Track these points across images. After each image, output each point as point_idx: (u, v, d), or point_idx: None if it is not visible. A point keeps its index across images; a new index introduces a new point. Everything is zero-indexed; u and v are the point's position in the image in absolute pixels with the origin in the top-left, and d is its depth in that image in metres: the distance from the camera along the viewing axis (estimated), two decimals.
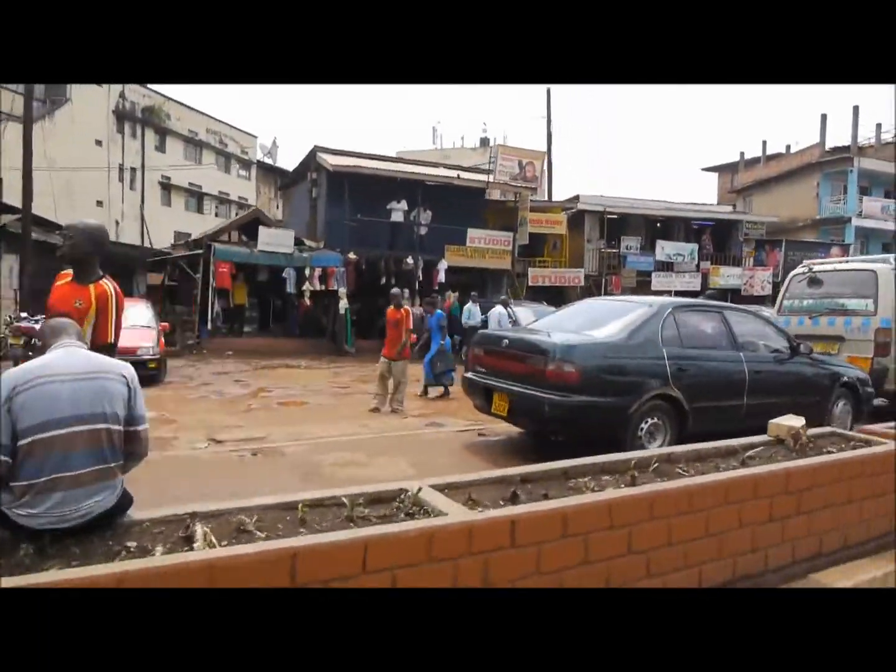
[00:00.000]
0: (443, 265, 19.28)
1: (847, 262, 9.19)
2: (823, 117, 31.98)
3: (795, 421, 4.51)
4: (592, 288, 22.73)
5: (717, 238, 24.69)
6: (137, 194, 34.65)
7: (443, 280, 19.16)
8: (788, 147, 37.44)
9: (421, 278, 19.08)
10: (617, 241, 23.36)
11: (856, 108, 30.60)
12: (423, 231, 19.37)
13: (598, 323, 5.94)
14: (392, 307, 8.34)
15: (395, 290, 8.79)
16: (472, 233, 19.66)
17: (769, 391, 6.27)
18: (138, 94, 34.82)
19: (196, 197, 39.05)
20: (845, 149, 33.38)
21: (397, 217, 19.11)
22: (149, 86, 36.43)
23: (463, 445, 6.35)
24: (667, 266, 23.27)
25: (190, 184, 38.23)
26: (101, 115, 32.02)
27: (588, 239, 24.04)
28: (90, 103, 30.43)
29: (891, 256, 8.45)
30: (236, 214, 40.21)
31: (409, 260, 18.88)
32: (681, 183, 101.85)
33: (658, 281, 22.70)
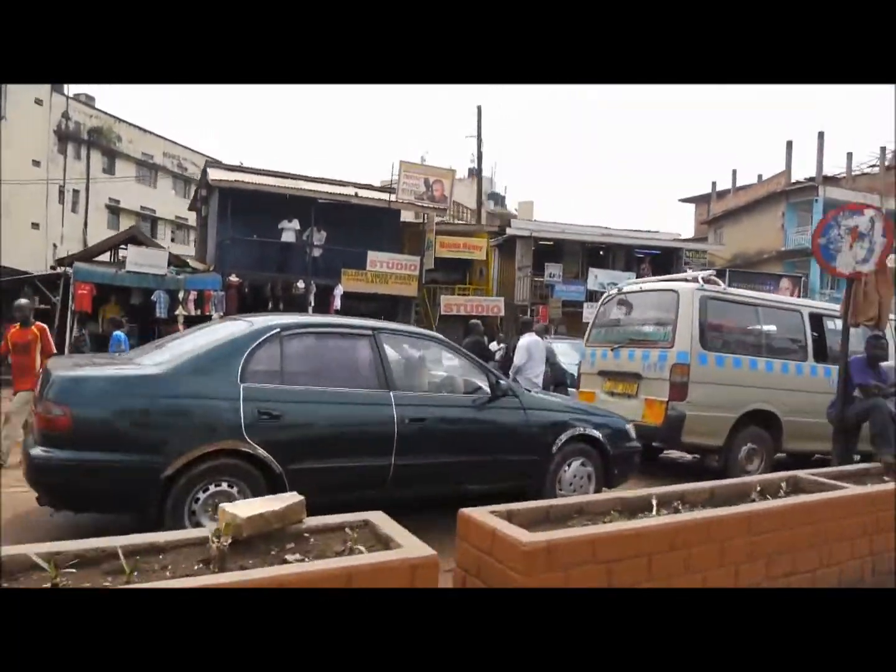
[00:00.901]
0: (339, 290, 17.71)
1: (657, 280, 7.51)
2: (789, 144, 30.46)
3: (257, 506, 2.83)
4: (519, 318, 21.12)
5: (659, 267, 22.98)
6: (80, 217, 33.56)
7: (338, 307, 17.58)
8: (760, 176, 35.94)
9: (313, 304, 17.49)
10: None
11: (821, 134, 29.04)
12: (316, 253, 17.84)
13: (181, 350, 4.27)
14: (17, 326, 6.52)
15: (20, 302, 6.82)
16: (373, 256, 18.13)
17: (441, 447, 4.58)
18: (84, 115, 33.95)
19: (149, 221, 37.93)
20: (826, 179, 31.80)
21: (288, 237, 17.65)
22: (97, 106, 35.71)
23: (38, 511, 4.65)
24: (601, 296, 21.57)
25: (142, 207, 37.20)
26: (41, 135, 31.09)
27: (519, 266, 22.49)
28: (27, 122, 29.50)
29: (700, 273, 6.74)
30: (194, 240, 39.15)
31: (300, 284, 17.35)
32: (662, 214, 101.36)
33: (589, 311, 20.98)
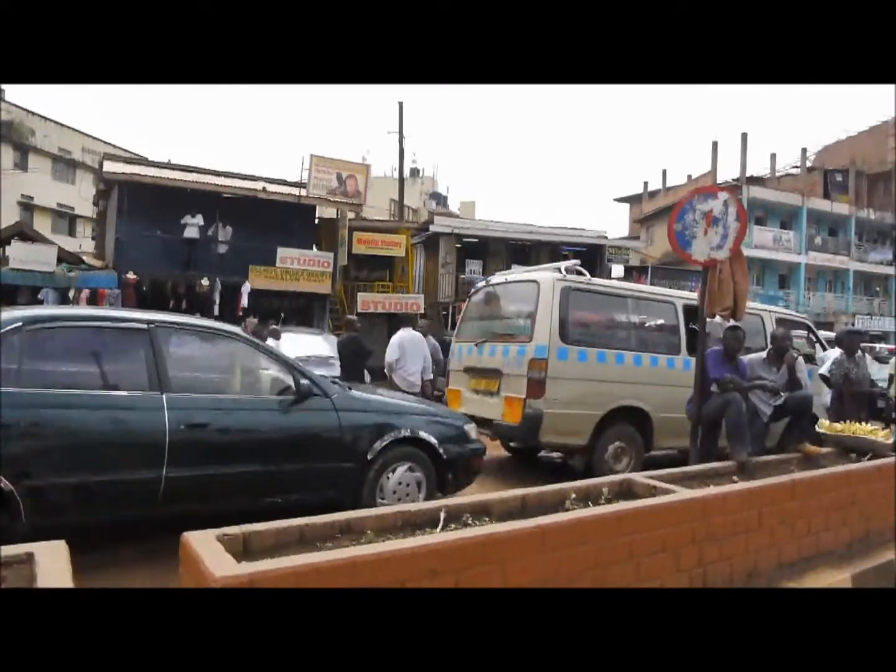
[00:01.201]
0: (246, 288, 16.92)
1: (524, 272, 7.07)
2: (714, 145, 30.82)
3: None
4: (439, 316, 20.73)
5: (584, 264, 22.77)
6: None
7: (246, 305, 16.79)
8: (690, 176, 36.39)
9: (218, 301, 16.66)
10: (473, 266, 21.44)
11: (744, 136, 29.49)
12: (221, 249, 17.03)
13: None
14: None
15: None
16: (284, 252, 17.38)
17: (230, 456, 4.00)
18: None
19: (67, 218, 36.22)
20: (752, 179, 32.33)
21: (192, 233, 16.77)
22: (7, 99, 33.88)
23: None
24: None
25: (59, 205, 35.44)
26: None
27: (443, 263, 22.05)
28: None
29: (563, 264, 6.31)
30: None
31: (205, 281, 16.49)
32: (599, 213, 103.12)
33: None
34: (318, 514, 3.16)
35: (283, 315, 14.77)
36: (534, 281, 6.16)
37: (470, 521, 3.31)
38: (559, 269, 6.20)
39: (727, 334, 5.28)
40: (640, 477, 4.25)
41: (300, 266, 17.63)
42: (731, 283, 5.07)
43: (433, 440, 4.71)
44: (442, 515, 3.32)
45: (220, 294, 16.76)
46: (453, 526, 3.29)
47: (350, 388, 4.74)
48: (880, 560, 4.64)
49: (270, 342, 10.45)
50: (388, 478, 4.56)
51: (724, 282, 5.07)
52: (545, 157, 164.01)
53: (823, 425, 6.05)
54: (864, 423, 5.95)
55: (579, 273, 6.23)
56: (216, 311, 16.83)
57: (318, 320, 18.64)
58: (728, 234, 5.03)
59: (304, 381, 4.25)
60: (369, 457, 4.42)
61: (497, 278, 7.00)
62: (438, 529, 3.22)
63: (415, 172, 58.39)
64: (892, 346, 17.48)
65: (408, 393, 8.11)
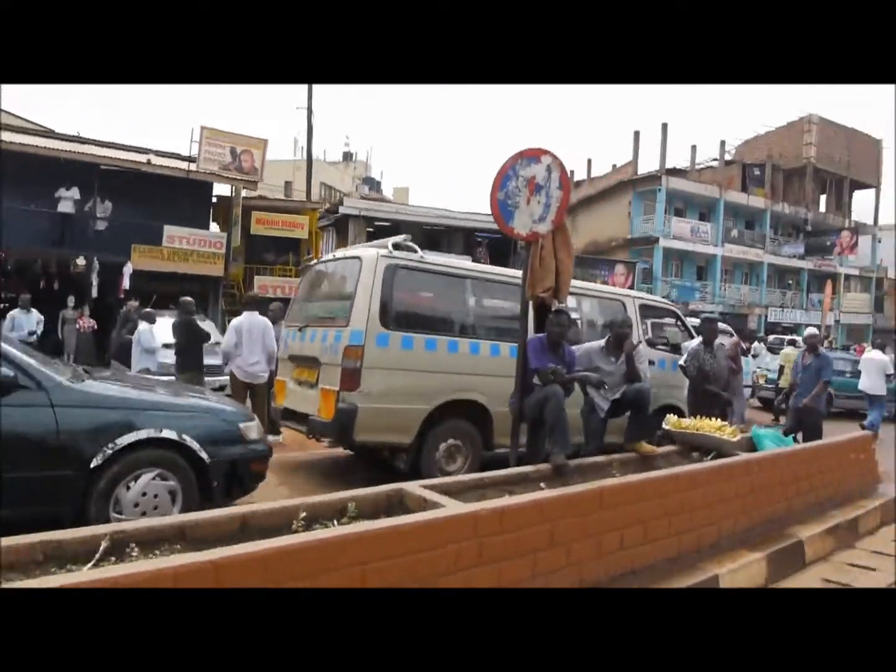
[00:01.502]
0: (128, 269, 15.68)
1: (353, 248, 6.37)
2: (636, 134, 30.77)
3: None
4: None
5: (498, 251, 22.35)
6: None
7: (128, 287, 15.55)
8: (614, 166, 36.34)
9: (96, 283, 15.39)
10: None
11: (664, 126, 29.49)
12: (100, 226, 15.75)
13: None
14: None
15: None
16: (171, 230, 16.23)
17: None
18: None
19: None
20: (673, 171, 32.44)
21: (66, 207, 15.47)
22: None
23: None
24: None
25: None
26: None
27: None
28: None
29: (394, 239, 5.60)
30: None
31: (80, 261, 15.20)
32: None
33: None
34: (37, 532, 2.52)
35: (154, 297, 13.64)
36: (356, 258, 5.45)
37: (136, 553, 2.59)
38: (388, 245, 5.49)
39: (551, 320, 4.69)
40: (415, 487, 3.60)
41: (189, 246, 16.51)
42: (552, 261, 4.48)
43: (192, 442, 3.95)
44: (102, 545, 2.58)
45: (99, 274, 15.52)
46: (113, 559, 2.56)
47: (85, 378, 3.94)
48: (704, 576, 4.12)
49: (143, 326, 9.46)
50: (127, 488, 3.78)
51: (546, 259, 4.48)
52: (479, 144, 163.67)
53: (670, 421, 5.59)
54: (713, 419, 5.51)
55: (411, 250, 5.54)
56: (94, 292, 15.60)
57: (213, 305, 17.59)
58: (551, 205, 4.43)
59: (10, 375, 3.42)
60: (94, 463, 3.63)
61: (327, 256, 6.27)
62: (89, 566, 2.49)
63: (347, 156, 56.80)
64: (789, 337, 17.59)
65: (251, 384, 7.31)
